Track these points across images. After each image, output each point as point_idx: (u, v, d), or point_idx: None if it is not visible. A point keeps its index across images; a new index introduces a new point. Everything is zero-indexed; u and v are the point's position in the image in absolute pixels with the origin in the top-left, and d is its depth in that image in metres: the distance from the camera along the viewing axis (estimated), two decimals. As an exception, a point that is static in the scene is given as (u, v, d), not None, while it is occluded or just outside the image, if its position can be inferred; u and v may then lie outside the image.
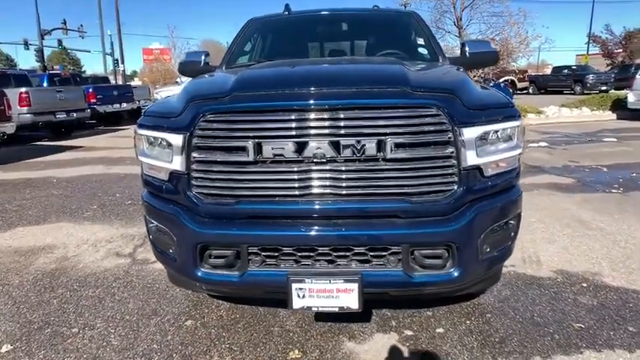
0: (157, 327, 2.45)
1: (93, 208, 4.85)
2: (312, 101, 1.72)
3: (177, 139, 1.84)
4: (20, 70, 18.05)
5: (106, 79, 19.72)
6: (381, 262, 1.84)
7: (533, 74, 27.14)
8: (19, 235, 4.05)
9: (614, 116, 12.61)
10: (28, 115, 9.60)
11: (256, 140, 1.74)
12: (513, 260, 3.18)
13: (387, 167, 1.74)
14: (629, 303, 2.59)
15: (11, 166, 7.66)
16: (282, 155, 1.74)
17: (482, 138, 1.80)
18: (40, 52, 28.52)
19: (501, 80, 19.44)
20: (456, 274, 1.83)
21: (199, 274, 1.91)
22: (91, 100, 12.75)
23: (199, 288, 2.17)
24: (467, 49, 3.18)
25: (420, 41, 3.24)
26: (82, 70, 60.07)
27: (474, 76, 12.12)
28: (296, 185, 1.78)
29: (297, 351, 2.21)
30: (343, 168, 1.75)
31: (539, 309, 2.55)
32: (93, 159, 8.20)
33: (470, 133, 1.74)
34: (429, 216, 1.80)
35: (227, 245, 1.87)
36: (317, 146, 1.71)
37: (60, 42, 33.65)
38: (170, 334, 2.37)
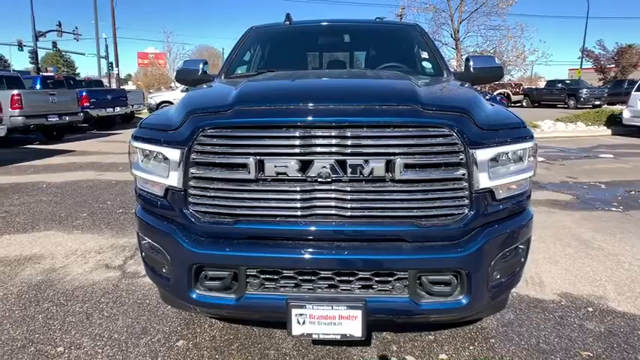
0: (147, 347, 2.33)
1: (83, 216, 4.71)
2: (318, 118, 1.63)
3: (174, 154, 1.75)
4: (14, 71, 17.83)
5: (99, 83, 19.54)
6: (387, 288, 1.75)
7: (527, 87, 27.40)
8: (5, 243, 3.91)
9: (609, 132, 12.69)
10: (20, 117, 9.43)
11: (258, 157, 1.65)
12: (516, 281, 3.11)
13: (396, 189, 1.66)
14: (638, 330, 2.51)
15: (2, 170, 7.48)
16: (285, 174, 1.65)
17: (495, 159, 1.73)
18: (34, 54, 28.28)
19: (496, 93, 19.61)
20: (464, 301, 1.74)
21: (194, 296, 1.80)
22: (84, 104, 12.58)
23: (193, 309, 2.06)
24: (471, 63, 3.13)
25: (424, 55, 3.18)
26: (77, 72, 59.76)
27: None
28: (298, 205, 1.69)
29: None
30: (349, 189, 1.66)
31: (545, 335, 2.47)
32: (84, 164, 8.04)
33: (483, 154, 1.67)
34: (438, 240, 1.72)
35: (224, 267, 1.77)
36: (322, 165, 1.63)
37: (54, 44, 33.47)
38: (160, 356, 2.25)
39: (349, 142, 1.63)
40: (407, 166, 1.63)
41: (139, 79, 43.92)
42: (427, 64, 3.14)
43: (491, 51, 11.91)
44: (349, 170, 1.63)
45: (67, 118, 10.96)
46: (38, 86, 12.69)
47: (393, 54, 3.22)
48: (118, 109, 14.41)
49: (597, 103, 23.69)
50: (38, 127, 10.29)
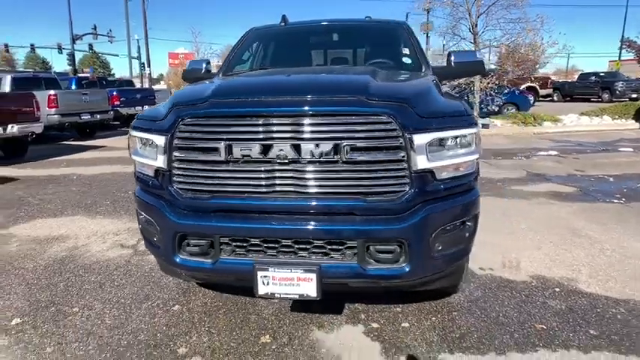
0: (147, 310, 2.69)
1: (106, 203, 5.19)
2: (276, 108, 1.92)
3: (160, 140, 2.07)
4: (55, 72, 18.96)
5: (130, 83, 20.47)
6: (339, 255, 2.01)
7: (557, 81, 26.59)
8: (37, 226, 4.40)
9: (637, 125, 12.31)
10: (56, 116, 10.17)
11: (227, 142, 1.94)
12: (493, 264, 3.30)
13: (344, 169, 1.92)
14: (597, 308, 2.66)
15: (39, 164, 8.16)
16: (249, 156, 1.94)
17: (434, 144, 1.95)
18: (71, 56, 29.81)
19: (523, 87, 19.18)
20: (407, 269, 1.98)
21: (178, 260, 2.13)
22: (115, 103, 13.34)
23: (186, 277, 2.38)
24: (452, 58, 3.33)
25: (406, 51, 3.40)
26: (112, 73, 62.14)
27: (487, 83, 12.08)
28: (262, 183, 1.97)
29: (268, 336, 2.40)
30: (304, 169, 1.93)
31: (506, 310, 2.66)
32: (112, 158, 8.63)
33: (420, 139, 1.90)
34: (383, 214, 1.96)
35: (202, 235, 2.08)
36: (280, 149, 1.91)
37: (91, 46, 35.12)
38: (157, 317, 2.60)
39: (302, 129, 1.90)
40: (353, 149, 1.89)
41: (170, 79, 45.30)
42: (407, 60, 3.36)
43: (509, 45, 11.79)
44: (303, 153, 1.90)
45: (99, 116, 11.69)
46: (73, 87, 13.55)
47: (376, 50, 3.46)
48: (146, 107, 15.13)
49: (634, 96, 22.65)
50: (72, 125, 11.03)
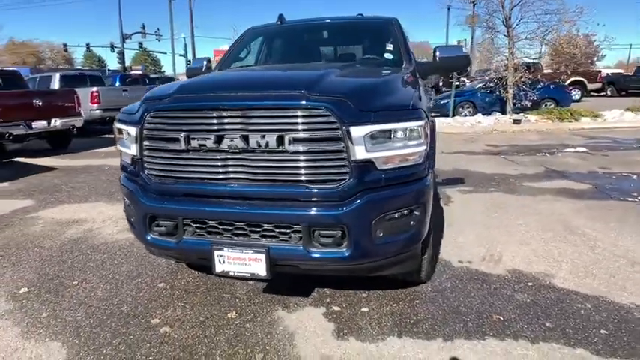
0: (136, 285, 2.98)
1: (127, 191, 5.62)
2: (226, 102, 2.10)
3: (133, 131, 2.32)
4: (109, 70, 20.15)
5: (171, 79, 21.46)
6: (286, 238, 2.18)
7: (610, 74, 24.94)
8: (63, 210, 4.87)
9: (689, 122, 11.43)
10: (98, 110, 10.96)
11: (186, 133, 2.15)
12: (473, 257, 3.33)
13: (288, 158, 2.07)
14: (563, 303, 2.66)
15: (79, 155, 8.87)
16: (205, 146, 2.14)
17: (373, 136, 2.06)
18: (120, 54, 31.60)
19: (569, 82, 18.22)
20: (347, 253, 2.11)
21: (149, 238, 2.38)
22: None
23: (153, 251, 2.62)
24: (437, 53, 3.38)
25: (390, 47, 3.48)
26: (162, 70, 65.03)
27: (520, 77, 11.65)
28: (218, 171, 2.17)
29: (234, 312, 2.61)
30: (253, 158, 2.11)
31: (469, 300, 2.71)
32: (145, 151, 9.19)
33: (358, 131, 2.01)
34: (325, 201, 2.10)
35: (167, 217, 2.32)
36: (231, 139, 2.09)
37: (140, 45, 37.00)
38: (143, 292, 2.89)
39: (250, 121, 2.07)
40: (296, 140, 2.04)
41: (215, 75, 46.88)
42: (389, 56, 3.44)
43: (545, 39, 11.29)
44: (251, 143, 2.08)
45: (139, 111, 12.42)
46: (117, 83, 14.46)
47: (362, 47, 3.57)
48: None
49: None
50: (112, 119, 11.77)
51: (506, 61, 11.93)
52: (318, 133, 2.04)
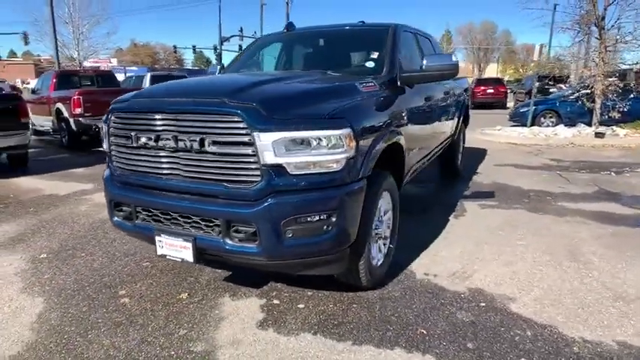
0: (125, 262, 3.46)
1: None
2: (162, 107, 2.42)
3: (104, 129, 2.76)
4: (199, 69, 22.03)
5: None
6: (210, 231, 2.43)
7: None
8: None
9: None
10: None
11: (135, 132, 2.52)
12: (442, 271, 3.26)
13: (209, 159, 2.32)
14: (502, 327, 2.52)
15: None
16: (147, 144, 2.48)
17: (284, 142, 2.21)
18: (218, 56, 34.56)
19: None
20: (257, 249, 2.30)
21: (114, 220, 2.81)
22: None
23: (133, 237, 3.04)
24: (424, 62, 3.37)
25: (374, 55, 3.52)
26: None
27: (608, 86, 10.36)
28: (158, 166, 2.50)
29: (187, 294, 2.93)
30: (183, 157, 2.40)
31: (406, 312, 2.70)
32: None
33: (266, 137, 2.18)
34: (239, 200, 2.31)
35: (124, 204, 2.72)
36: (166, 139, 2.40)
37: (240, 47, 40.03)
38: (127, 268, 3.36)
39: (179, 124, 2.36)
40: (215, 143, 2.28)
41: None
42: (370, 64, 3.49)
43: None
44: (181, 144, 2.37)
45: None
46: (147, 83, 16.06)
47: (349, 54, 3.67)
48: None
49: None
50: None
51: (592, 68, 10.72)
52: (232, 137, 2.26)
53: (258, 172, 2.25)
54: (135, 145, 2.54)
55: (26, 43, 30.99)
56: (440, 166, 6.63)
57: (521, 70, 60.15)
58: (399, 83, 3.36)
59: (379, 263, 3.04)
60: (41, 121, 10.97)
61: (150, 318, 2.65)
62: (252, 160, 2.24)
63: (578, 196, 5.44)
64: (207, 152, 2.32)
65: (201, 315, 2.68)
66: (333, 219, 2.36)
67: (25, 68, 53.54)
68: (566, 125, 11.71)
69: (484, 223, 4.40)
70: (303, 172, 2.28)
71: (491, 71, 65.82)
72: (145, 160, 2.56)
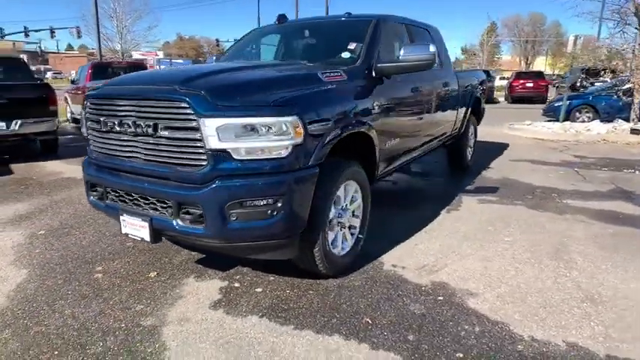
0: (110, 242, 3.66)
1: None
2: (124, 94, 2.55)
3: (83, 114, 2.93)
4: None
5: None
6: (164, 212, 2.54)
7: None
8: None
9: None
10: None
11: (103, 117, 2.67)
12: (411, 264, 3.23)
13: (162, 143, 2.42)
14: (452, 322, 2.47)
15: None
16: (113, 129, 2.62)
17: (228, 127, 2.27)
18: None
19: None
20: (203, 230, 2.38)
21: (90, 199, 2.99)
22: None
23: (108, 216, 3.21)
24: (401, 52, 3.32)
25: (352, 46, 3.48)
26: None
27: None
28: (122, 149, 2.64)
29: (156, 273, 3.08)
30: (141, 140, 2.51)
31: (359, 301, 2.70)
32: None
33: (211, 123, 2.25)
34: (188, 182, 2.40)
35: (97, 184, 2.88)
36: (128, 124, 2.53)
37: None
38: (111, 247, 3.56)
39: (137, 110, 2.48)
40: (166, 128, 2.38)
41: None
42: (346, 55, 3.46)
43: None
44: (139, 128, 2.48)
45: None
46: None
47: (330, 46, 3.66)
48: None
49: None
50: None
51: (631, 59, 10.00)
52: (181, 122, 2.35)
53: (204, 157, 2.33)
54: (104, 129, 2.69)
55: (79, 36, 32.94)
56: (447, 160, 6.49)
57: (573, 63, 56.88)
58: (374, 74, 3.32)
59: (344, 252, 3.06)
60: (79, 109, 11.67)
61: (114, 293, 2.81)
62: (199, 144, 2.32)
63: (589, 194, 5.15)
64: (160, 137, 2.42)
65: (162, 293, 2.81)
66: (279, 204, 2.40)
67: (79, 60, 56.88)
68: (602, 121, 11.04)
69: (476, 218, 4.27)
70: (247, 158, 2.33)
71: (540, 64, 62.73)
72: (111, 144, 2.70)
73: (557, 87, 23.15)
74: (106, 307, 2.64)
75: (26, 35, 34.36)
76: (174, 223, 2.48)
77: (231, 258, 3.20)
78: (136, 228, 2.63)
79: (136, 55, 29.68)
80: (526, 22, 69.16)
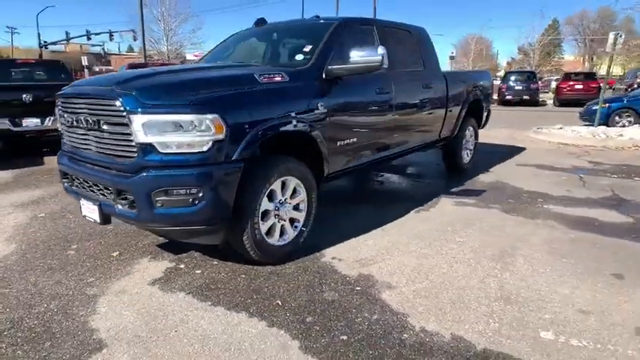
0: (94, 225, 4.09)
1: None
2: (78, 94, 2.96)
3: (56, 111, 3.39)
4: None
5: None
6: (109, 197, 2.91)
7: None
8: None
9: None
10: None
11: (65, 114, 3.10)
12: (349, 257, 3.40)
13: (105, 136, 2.80)
14: (354, 309, 2.64)
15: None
16: (72, 123, 3.03)
17: (152, 124, 2.58)
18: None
19: None
20: (135, 214, 2.73)
21: (64, 185, 3.44)
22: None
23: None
24: (350, 55, 3.50)
25: (307, 48, 3.68)
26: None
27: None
28: (79, 142, 3.05)
29: (118, 253, 3.48)
30: (91, 134, 2.91)
31: (282, 286, 2.92)
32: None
33: (137, 119, 2.58)
34: (124, 172, 2.75)
35: (67, 173, 3.32)
36: (81, 120, 2.93)
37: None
38: (94, 229, 4.01)
39: (87, 107, 2.87)
40: (106, 123, 2.75)
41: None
42: (299, 57, 3.68)
43: None
44: (89, 124, 2.87)
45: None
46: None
47: (293, 48, 3.90)
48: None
49: None
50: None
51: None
52: (116, 119, 2.71)
53: (134, 149, 2.67)
54: (67, 124, 3.12)
55: (134, 39, 35.35)
56: (443, 162, 6.48)
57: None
58: (324, 76, 3.52)
59: (284, 243, 3.29)
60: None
61: (77, 267, 3.23)
62: (130, 138, 2.66)
63: (577, 200, 4.99)
64: (103, 130, 2.80)
65: (116, 269, 3.20)
66: (200, 194, 2.69)
67: (137, 61, 60.91)
68: (647, 126, 10.34)
69: (442, 219, 4.33)
70: (170, 151, 2.64)
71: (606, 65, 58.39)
72: (73, 137, 3.13)
73: (614, 89, 21.72)
74: (64, 277, 3.06)
75: (88, 38, 37.21)
76: (115, 207, 2.85)
77: (193, 245, 3.52)
78: (90, 211, 3.03)
79: (189, 56, 31.46)
80: (593, 19, 64.61)
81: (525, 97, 22.23)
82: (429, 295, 2.81)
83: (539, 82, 24.95)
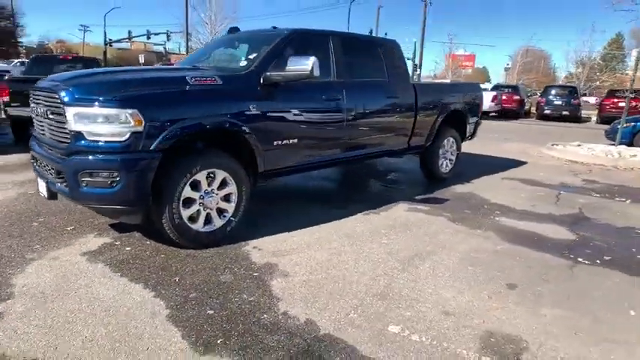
0: (67, 202, 4.68)
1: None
2: (40, 87, 3.48)
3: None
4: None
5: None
6: (54, 176, 3.39)
7: None
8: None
9: None
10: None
11: (32, 104, 3.62)
12: (269, 248, 3.67)
13: (52, 124, 3.29)
14: (237, 290, 2.93)
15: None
16: (36, 112, 3.56)
17: (80, 115, 3.03)
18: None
19: None
20: (67, 191, 3.19)
21: (33, 167, 3.98)
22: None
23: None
24: (288, 62, 3.80)
25: (252, 55, 4.02)
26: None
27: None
28: (39, 127, 3.57)
29: (73, 227, 3.97)
30: (45, 122, 3.41)
31: (190, 266, 3.26)
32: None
33: (70, 110, 3.03)
34: (63, 155, 3.21)
35: (33, 155, 3.86)
36: (41, 110, 3.44)
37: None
38: (66, 207, 4.55)
39: (44, 99, 3.38)
40: (53, 113, 3.23)
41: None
42: (244, 62, 4.02)
43: None
44: (44, 113, 3.37)
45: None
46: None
47: (247, 54, 4.25)
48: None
49: None
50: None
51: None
52: (57, 109, 3.18)
53: (68, 136, 3.12)
54: (34, 113, 3.65)
55: (188, 40, 37.37)
56: (421, 170, 6.58)
57: None
58: (262, 81, 3.83)
59: (209, 230, 3.63)
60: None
61: (32, 236, 3.75)
62: (65, 126, 3.13)
63: (535, 215, 4.96)
64: (51, 119, 3.29)
65: (61, 241, 3.68)
66: (117, 178, 3.10)
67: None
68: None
69: (384, 222, 4.49)
70: (95, 139, 3.07)
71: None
72: (37, 123, 3.66)
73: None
74: (15, 243, 3.58)
75: (148, 37, 39.82)
76: (56, 184, 3.32)
77: (144, 228, 3.93)
78: (42, 187, 3.55)
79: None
80: (660, 33, 60.18)
81: (565, 112, 21.32)
82: (314, 286, 3.04)
83: (581, 98, 23.75)
